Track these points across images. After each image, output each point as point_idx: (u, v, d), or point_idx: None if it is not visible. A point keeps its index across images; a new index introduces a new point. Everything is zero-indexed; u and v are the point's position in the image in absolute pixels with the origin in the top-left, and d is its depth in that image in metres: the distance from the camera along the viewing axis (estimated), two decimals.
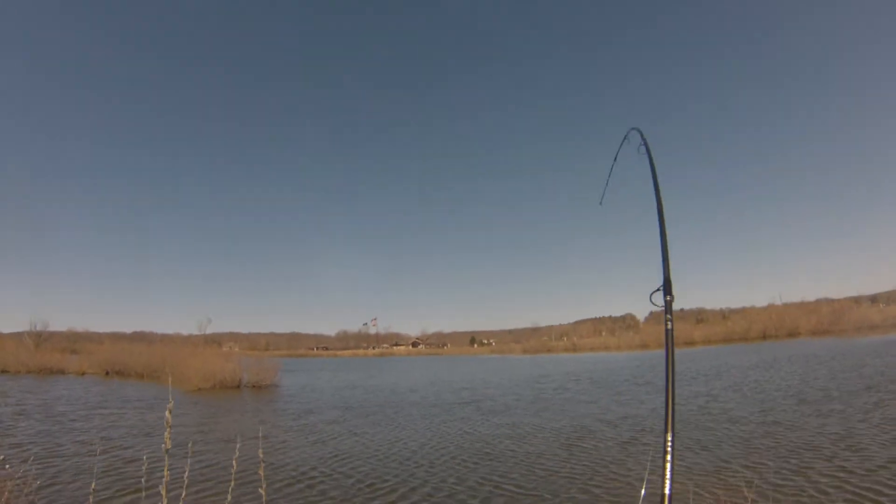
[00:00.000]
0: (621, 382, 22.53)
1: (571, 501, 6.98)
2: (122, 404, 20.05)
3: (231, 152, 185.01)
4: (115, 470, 9.40)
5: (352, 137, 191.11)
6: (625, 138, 3.68)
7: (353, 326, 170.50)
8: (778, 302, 77.15)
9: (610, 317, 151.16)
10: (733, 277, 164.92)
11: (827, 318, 63.08)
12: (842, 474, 7.30)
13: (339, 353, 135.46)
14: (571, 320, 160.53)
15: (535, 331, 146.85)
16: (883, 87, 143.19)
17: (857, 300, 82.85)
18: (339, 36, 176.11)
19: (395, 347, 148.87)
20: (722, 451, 9.11)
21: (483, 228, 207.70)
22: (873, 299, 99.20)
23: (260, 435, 12.54)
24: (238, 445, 3.87)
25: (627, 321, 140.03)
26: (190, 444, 11.43)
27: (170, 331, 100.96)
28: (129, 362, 35.77)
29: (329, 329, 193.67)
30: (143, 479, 7.31)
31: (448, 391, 23.54)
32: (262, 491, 2.19)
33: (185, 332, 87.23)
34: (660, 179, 3.05)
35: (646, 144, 3.34)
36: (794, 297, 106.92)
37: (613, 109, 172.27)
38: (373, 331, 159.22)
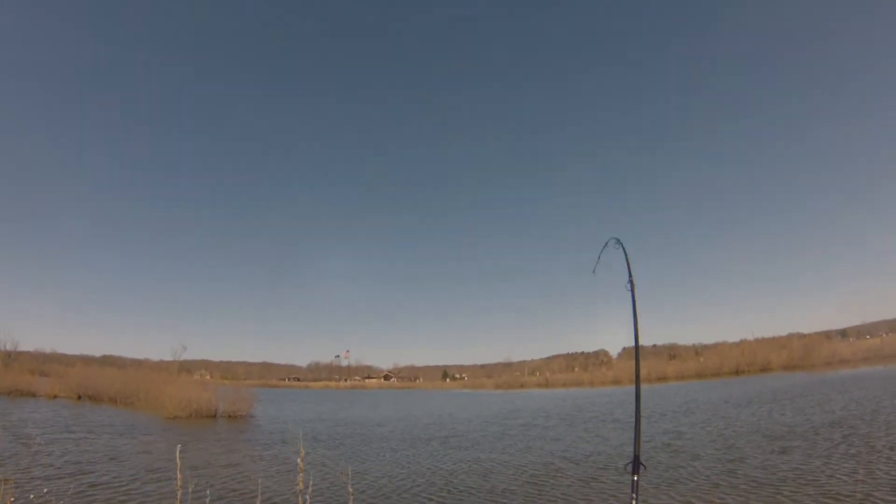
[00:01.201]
0: (589, 419, 22.59)
1: None
2: (91, 429, 19.72)
3: (206, 175, 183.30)
4: (80, 494, 9.45)
5: (333, 162, 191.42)
6: (605, 245, 4.26)
7: (325, 358, 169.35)
8: (750, 337, 78.80)
9: (583, 353, 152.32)
10: (706, 313, 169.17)
11: (798, 353, 64.56)
12: None
13: (310, 384, 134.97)
14: (544, 356, 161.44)
15: (508, 366, 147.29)
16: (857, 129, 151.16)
17: (827, 335, 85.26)
18: (337, 44, 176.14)
19: (366, 380, 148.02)
20: (683, 488, 9.19)
21: (457, 262, 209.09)
22: (843, 334, 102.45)
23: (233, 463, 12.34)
24: (212, 472, 3.83)
25: (600, 357, 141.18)
26: (178, 476, 11.23)
27: (140, 356, 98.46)
28: (101, 387, 35.49)
29: (301, 360, 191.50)
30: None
31: (416, 426, 23.62)
32: None
33: (154, 357, 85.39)
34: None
35: (625, 255, 3.75)
36: (766, 332, 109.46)
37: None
38: (345, 363, 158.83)
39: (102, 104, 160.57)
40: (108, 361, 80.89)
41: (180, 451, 3.61)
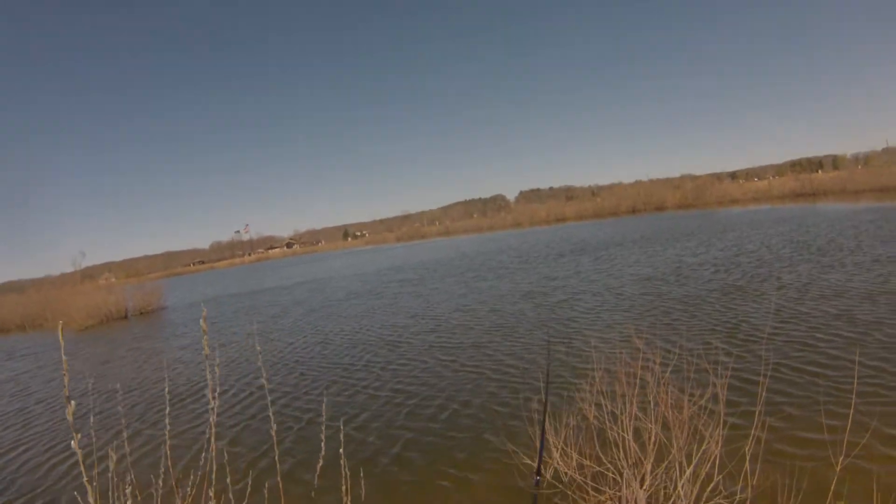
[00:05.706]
0: (469, 269, 23.01)
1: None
2: None
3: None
4: None
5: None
6: None
7: (226, 236, 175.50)
8: (645, 179, 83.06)
9: (480, 199, 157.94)
10: (601, 156, 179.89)
11: (691, 193, 69.04)
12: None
13: (215, 264, 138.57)
14: (441, 205, 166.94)
15: (407, 218, 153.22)
16: None
17: (718, 177, 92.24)
18: None
19: (270, 251, 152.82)
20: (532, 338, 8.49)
21: (346, 112, 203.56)
22: (732, 176, 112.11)
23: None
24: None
25: (498, 202, 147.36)
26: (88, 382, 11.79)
27: (39, 274, 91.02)
28: (4, 316, 35.37)
29: (202, 242, 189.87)
30: None
31: (292, 293, 25.84)
32: None
33: (55, 272, 79.68)
34: None
35: None
36: (660, 174, 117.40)
37: None
38: (246, 237, 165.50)
39: None
40: (6, 288, 75.17)
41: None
